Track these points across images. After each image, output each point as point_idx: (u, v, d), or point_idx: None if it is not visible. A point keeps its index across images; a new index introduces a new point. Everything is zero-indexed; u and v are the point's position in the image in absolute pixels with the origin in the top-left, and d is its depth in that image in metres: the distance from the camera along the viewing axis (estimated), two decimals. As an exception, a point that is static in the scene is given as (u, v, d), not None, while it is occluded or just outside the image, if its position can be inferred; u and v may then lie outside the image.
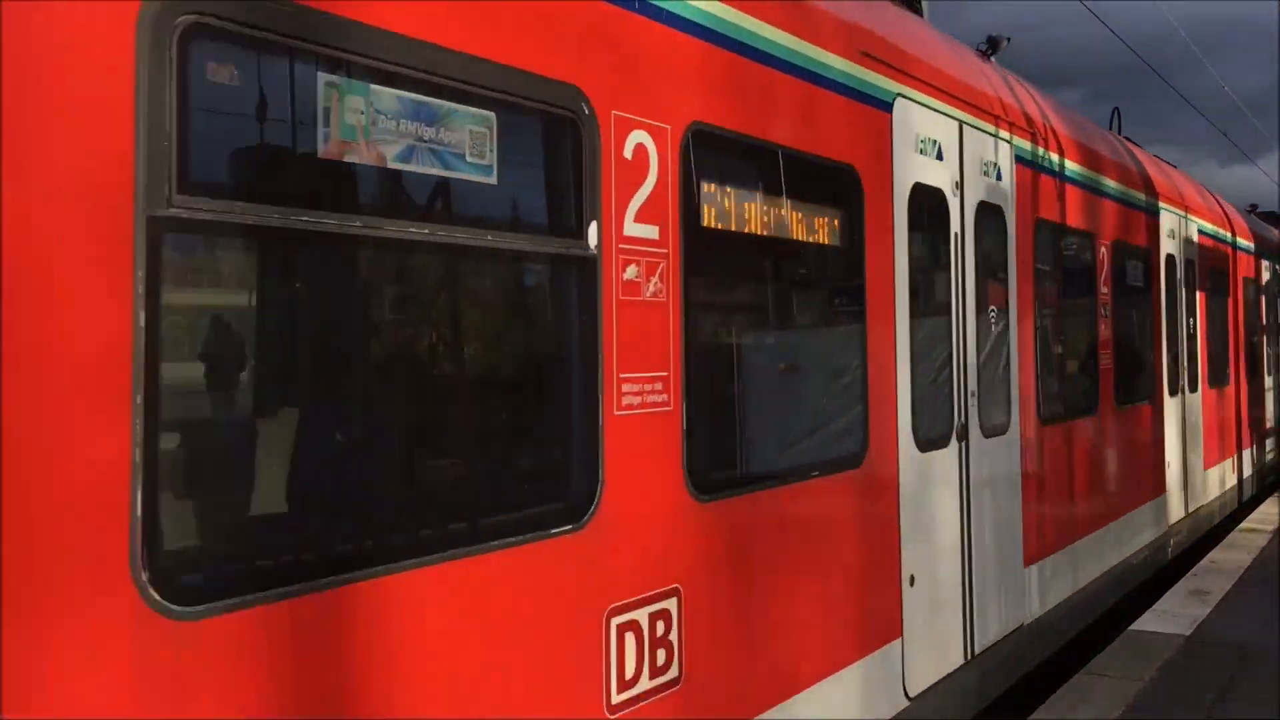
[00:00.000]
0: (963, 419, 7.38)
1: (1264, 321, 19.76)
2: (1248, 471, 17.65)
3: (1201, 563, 12.72)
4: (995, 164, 8.10)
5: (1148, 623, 9.90)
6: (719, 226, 5.06)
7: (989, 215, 7.99)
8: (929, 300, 7.18)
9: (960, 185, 7.47)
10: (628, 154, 4.44)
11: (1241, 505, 16.97)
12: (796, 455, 5.65)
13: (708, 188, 5.01)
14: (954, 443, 7.27)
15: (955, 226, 7.38)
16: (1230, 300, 16.88)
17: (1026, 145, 8.73)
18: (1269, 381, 20.23)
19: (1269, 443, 19.12)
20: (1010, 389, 8.25)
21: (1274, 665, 8.42)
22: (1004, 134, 8.29)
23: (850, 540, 5.97)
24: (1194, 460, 13.74)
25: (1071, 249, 9.84)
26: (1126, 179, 11.42)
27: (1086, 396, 9.99)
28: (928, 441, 6.92)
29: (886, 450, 6.39)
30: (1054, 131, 9.54)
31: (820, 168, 5.89)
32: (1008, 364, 8.24)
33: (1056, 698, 7.93)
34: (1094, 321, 10.16)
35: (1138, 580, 11.32)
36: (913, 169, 6.83)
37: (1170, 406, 12.67)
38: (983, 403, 7.72)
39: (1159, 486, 12.16)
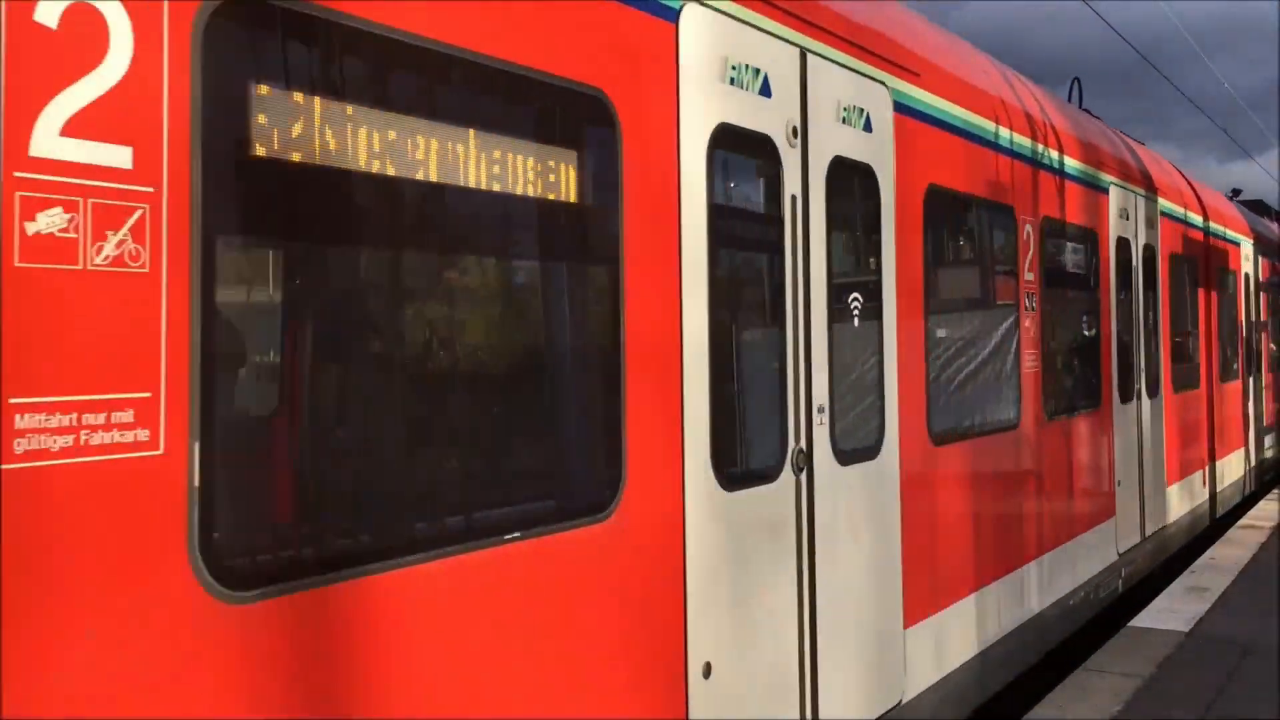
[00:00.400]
0: (802, 443, 5.54)
1: (1244, 317, 17.89)
2: (1224, 484, 15.81)
3: (1200, 559, 12.59)
4: (863, 110, 6.25)
5: (1146, 619, 9.81)
6: (295, 160, 3.21)
7: (851, 175, 6.15)
8: (745, 285, 5.36)
9: (802, 132, 5.63)
10: (48, 19, 2.60)
11: (1215, 522, 15.13)
12: (469, 511, 3.79)
13: (271, 93, 3.16)
14: (788, 475, 5.43)
15: (792, 187, 5.54)
16: (1203, 292, 15.03)
17: (914, 91, 6.88)
18: (1249, 384, 18.38)
19: (1239, 454, 17.23)
20: (884, 402, 6.41)
21: (1273, 662, 8.33)
22: (879, 74, 6.45)
23: (584, 631, 4.13)
24: (1154, 476, 11.90)
25: (980, 224, 8.00)
26: (1065, 147, 9.57)
27: (1002, 407, 8.14)
28: (740, 476, 5.09)
29: (659, 492, 4.55)
30: (960, 80, 7.70)
31: (533, 87, 4.04)
32: (881, 370, 6.40)
33: (1055, 694, 7.79)
34: (1014, 315, 8.32)
35: (1076, 624, 9.49)
36: (715, 104, 4.98)
37: (1122, 415, 10.82)
38: (838, 421, 5.88)
39: (1106, 510, 10.32)
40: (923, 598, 6.74)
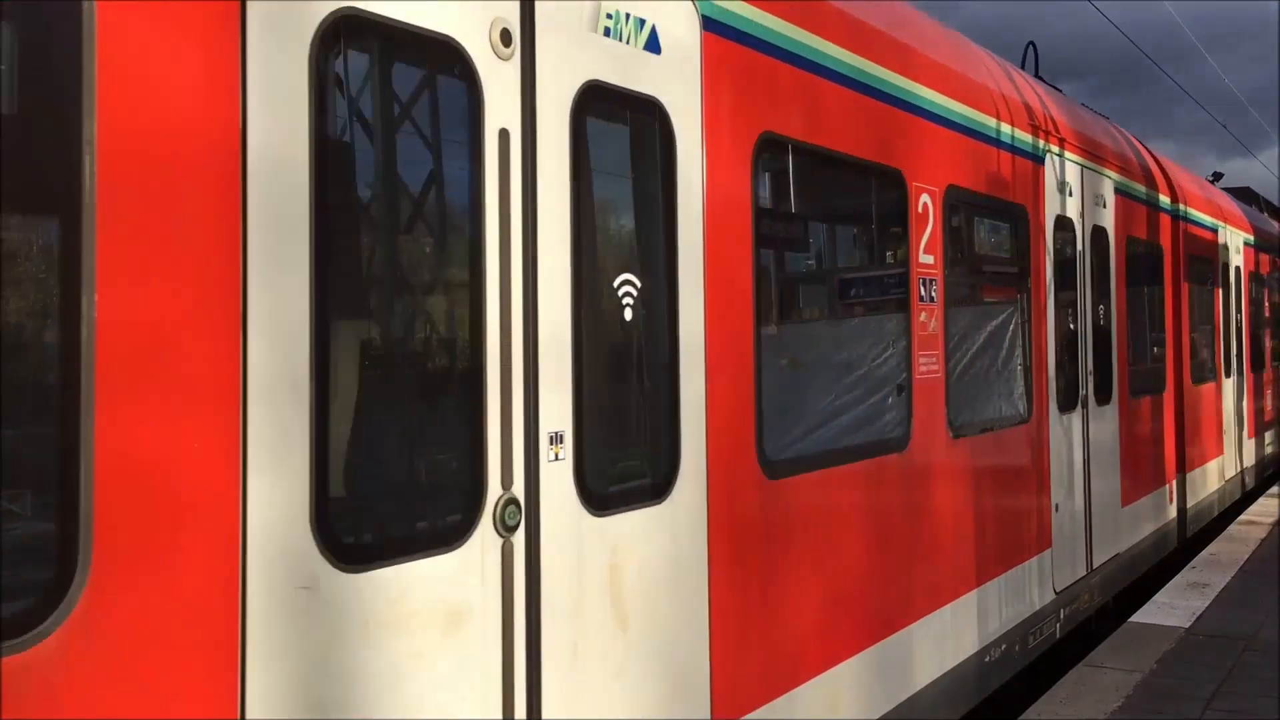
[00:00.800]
0: (516, 488, 3.82)
1: (1223, 309, 16.14)
2: (1197, 498, 14.08)
3: (1200, 555, 12.60)
4: (645, 22, 4.53)
5: (1147, 615, 9.83)
6: None
7: (621, 110, 4.44)
8: (406, 260, 3.65)
9: (524, 41, 3.91)
10: None
11: (1184, 543, 13.40)
12: None
13: None
14: (484, 537, 3.71)
15: (500, 118, 3.82)
16: (1172, 282, 13.30)
17: (737, 7, 5.16)
18: (1237, 384, 16.65)
19: (1219, 463, 15.50)
20: (679, 424, 4.69)
21: (1273, 657, 8.37)
22: (677, -22, 4.72)
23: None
24: (1104, 497, 10.18)
25: (848, 189, 6.27)
26: (980, 102, 7.85)
27: (884, 425, 6.42)
28: (379, 546, 3.38)
29: (181, 586, 2.83)
30: (820, 3, 5.97)
31: None
32: (674, 381, 4.68)
33: (1055, 690, 7.80)
34: (904, 309, 6.59)
35: (999, 680, 7.78)
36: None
37: (1061, 427, 9.10)
38: (593, 452, 4.17)
39: (1038, 541, 8.61)
40: (746, 685, 5.03)
